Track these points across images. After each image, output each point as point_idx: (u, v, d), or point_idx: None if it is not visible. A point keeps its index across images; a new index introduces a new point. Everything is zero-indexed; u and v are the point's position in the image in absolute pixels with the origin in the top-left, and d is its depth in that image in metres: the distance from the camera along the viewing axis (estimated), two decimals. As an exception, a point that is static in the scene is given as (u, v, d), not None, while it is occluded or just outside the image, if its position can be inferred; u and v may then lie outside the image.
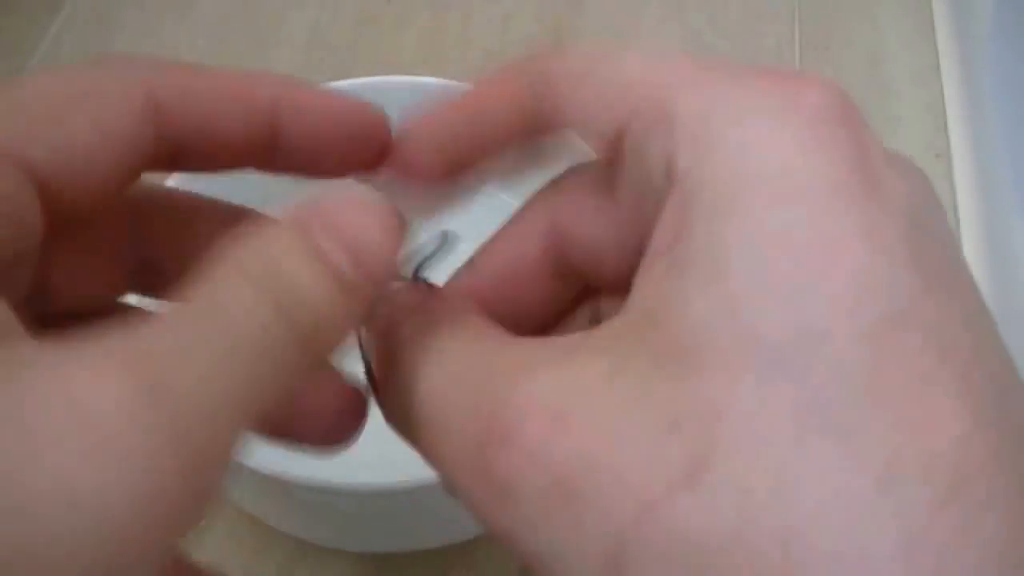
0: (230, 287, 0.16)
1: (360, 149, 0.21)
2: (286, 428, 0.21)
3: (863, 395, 0.14)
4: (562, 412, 0.16)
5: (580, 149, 0.25)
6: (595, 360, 0.16)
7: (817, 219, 0.15)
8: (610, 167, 0.20)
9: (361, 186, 0.21)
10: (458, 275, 0.23)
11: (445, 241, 0.23)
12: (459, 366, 0.18)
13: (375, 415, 0.44)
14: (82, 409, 0.14)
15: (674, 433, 0.15)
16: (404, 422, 0.19)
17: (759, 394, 0.15)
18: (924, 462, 0.14)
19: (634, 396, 0.15)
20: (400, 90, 0.45)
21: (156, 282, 0.22)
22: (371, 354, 0.21)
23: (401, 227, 0.18)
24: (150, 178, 0.20)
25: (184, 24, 0.60)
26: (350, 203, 0.17)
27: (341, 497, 0.34)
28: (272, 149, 0.20)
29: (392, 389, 0.20)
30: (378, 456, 0.41)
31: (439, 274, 0.23)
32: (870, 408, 0.14)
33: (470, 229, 0.25)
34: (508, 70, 0.22)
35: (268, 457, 0.34)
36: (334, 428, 0.21)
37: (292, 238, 0.17)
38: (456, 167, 0.22)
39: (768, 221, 0.15)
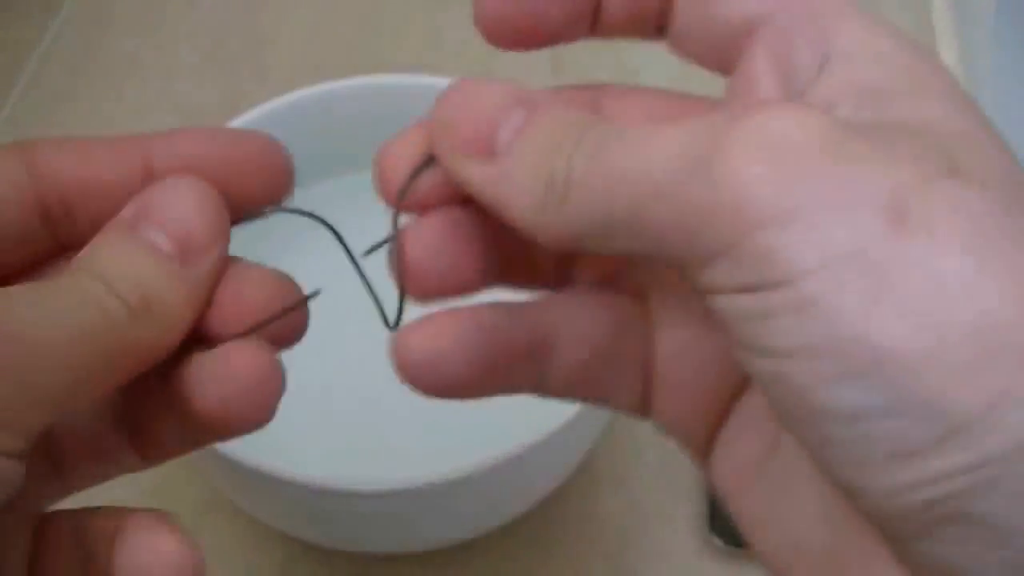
0: (73, 277, 0.19)
1: (258, 180, 0.22)
2: (207, 421, 0.21)
3: None
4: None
5: None
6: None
7: None
8: None
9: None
10: None
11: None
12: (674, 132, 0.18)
13: (374, 420, 0.44)
14: None
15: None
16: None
17: None
18: None
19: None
20: (400, 90, 0.45)
21: None
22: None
23: (220, 199, 0.21)
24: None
25: (184, 24, 0.60)
26: (166, 187, 0.20)
27: (341, 497, 0.34)
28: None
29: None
30: (378, 456, 0.41)
31: None
32: None
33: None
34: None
35: (268, 457, 0.34)
36: (254, 403, 0.21)
37: (116, 229, 0.20)
38: None
39: None
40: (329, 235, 0.25)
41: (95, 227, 0.21)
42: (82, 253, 0.20)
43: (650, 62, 0.58)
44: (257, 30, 0.59)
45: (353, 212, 0.48)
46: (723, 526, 0.42)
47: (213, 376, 0.20)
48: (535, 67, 0.58)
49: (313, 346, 0.46)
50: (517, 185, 0.19)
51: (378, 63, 0.58)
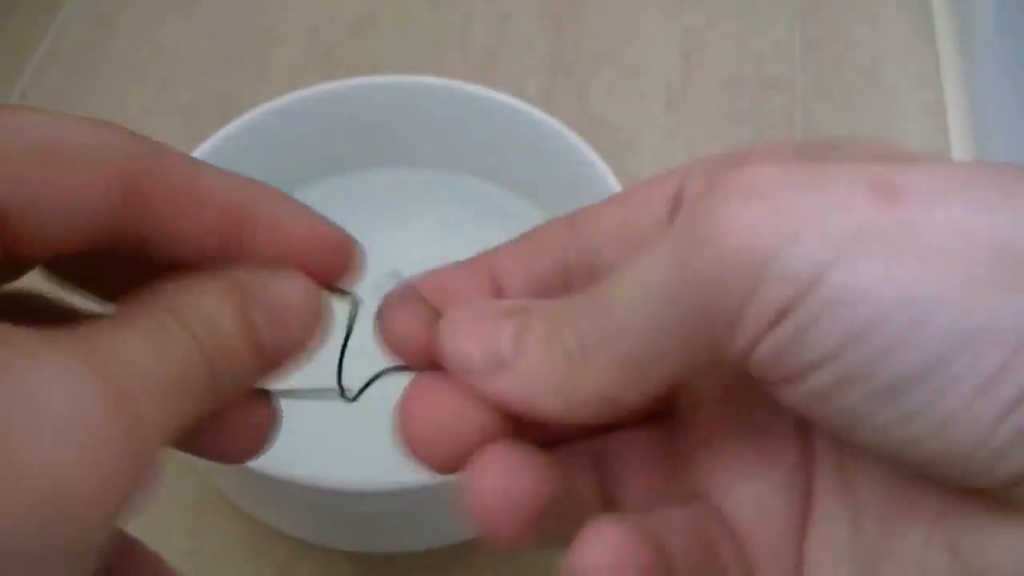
0: (175, 331, 0.18)
1: (321, 269, 0.22)
2: (203, 445, 0.22)
3: None
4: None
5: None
6: None
7: None
8: None
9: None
10: None
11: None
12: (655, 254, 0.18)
13: (374, 420, 0.44)
14: (50, 411, 0.16)
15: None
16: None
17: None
18: None
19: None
20: (400, 90, 0.45)
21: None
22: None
23: (321, 302, 0.21)
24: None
25: (184, 24, 0.60)
26: (281, 279, 0.20)
27: (341, 497, 0.34)
28: (228, 254, 0.21)
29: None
30: (377, 456, 0.41)
31: None
32: None
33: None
34: None
35: (268, 457, 0.34)
36: (248, 441, 0.22)
37: (232, 306, 0.20)
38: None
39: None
40: None
41: (162, 255, 0.20)
42: (183, 301, 0.19)
43: (650, 62, 0.58)
44: (257, 30, 0.59)
45: (353, 212, 0.48)
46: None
47: (214, 425, 0.21)
48: (535, 67, 0.58)
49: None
50: (538, 372, 0.20)
51: (378, 63, 0.58)
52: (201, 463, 0.38)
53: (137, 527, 0.22)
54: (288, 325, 0.20)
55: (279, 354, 0.20)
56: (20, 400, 0.15)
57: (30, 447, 0.15)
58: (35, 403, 0.16)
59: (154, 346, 0.18)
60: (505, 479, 0.20)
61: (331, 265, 0.22)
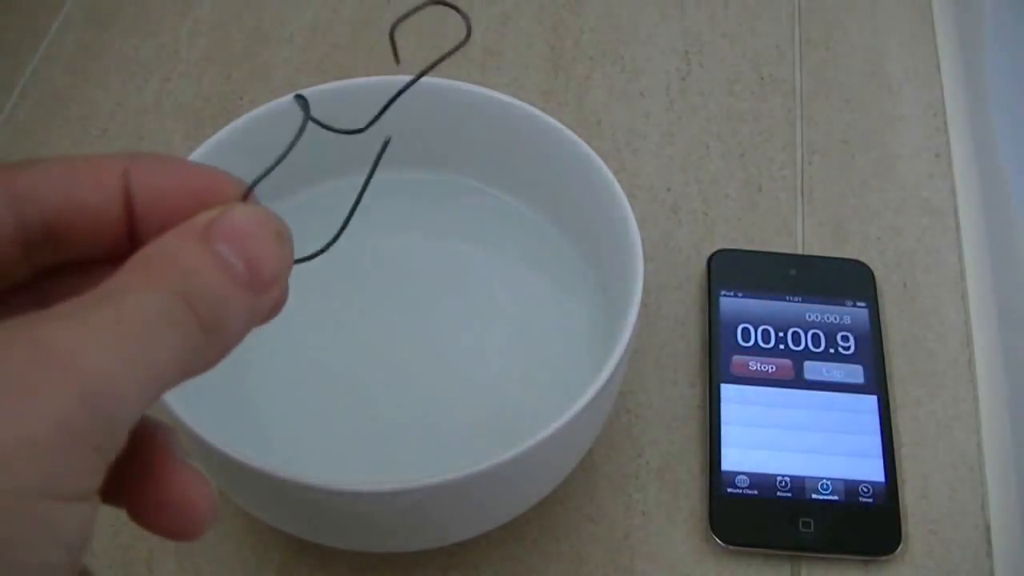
0: (149, 291, 0.19)
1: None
2: (147, 518, 0.22)
3: None
4: None
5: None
6: None
7: None
8: None
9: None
10: None
11: None
12: None
13: (374, 420, 0.44)
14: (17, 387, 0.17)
15: None
16: None
17: None
18: None
19: None
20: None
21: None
22: None
23: (290, 238, 0.22)
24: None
25: (184, 24, 0.60)
26: (249, 218, 0.21)
27: (341, 497, 0.34)
28: (133, 223, 0.22)
29: None
30: (378, 456, 0.41)
31: None
32: None
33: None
34: None
35: (268, 457, 0.34)
36: (189, 519, 0.22)
37: (201, 249, 0.20)
38: None
39: None
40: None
41: (77, 250, 0.22)
42: (152, 255, 0.20)
43: (650, 62, 0.58)
44: (257, 30, 0.59)
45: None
46: (723, 526, 0.42)
47: (156, 502, 0.21)
48: (535, 67, 0.58)
49: (313, 347, 0.46)
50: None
51: (378, 63, 0.58)
52: (201, 463, 0.38)
53: (137, 527, 0.22)
54: (252, 247, 0.21)
55: (256, 278, 0.21)
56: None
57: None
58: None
59: (130, 305, 0.19)
60: None
61: (218, 200, 0.23)
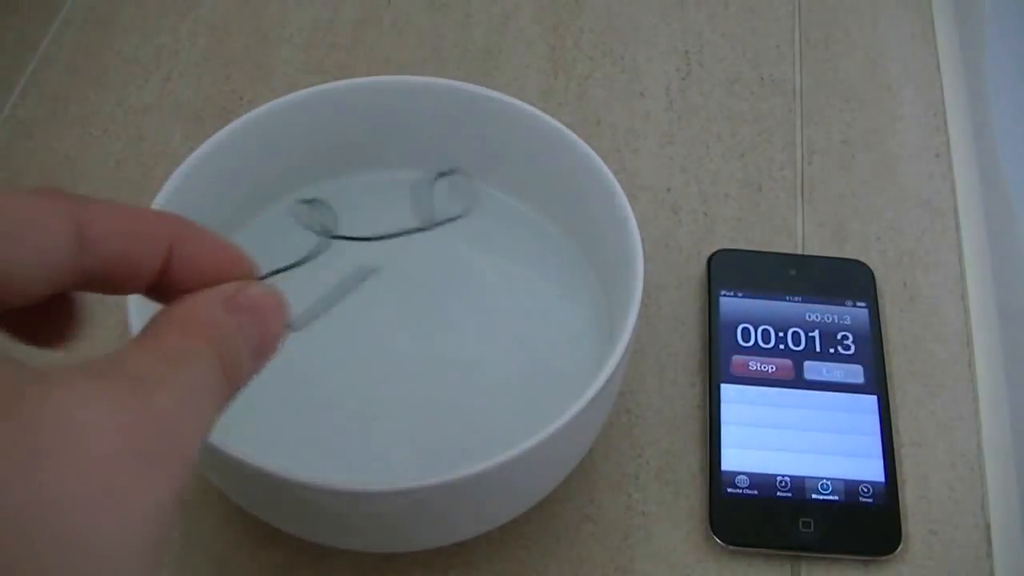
0: (198, 348, 0.23)
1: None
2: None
3: None
4: None
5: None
6: None
7: None
8: None
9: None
10: None
11: None
12: None
13: (379, 414, 0.44)
14: (89, 454, 0.19)
15: None
16: None
17: None
18: None
19: None
20: (399, 90, 0.45)
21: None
22: None
23: (289, 312, 0.26)
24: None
25: (184, 24, 0.60)
26: (264, 296, 0.25)
27: (341, 497, 0.34)
28: (162, 276, 0.25)
29: None
30: (378, 457, 0.41)
31: None
32: None
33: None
34: None
35: (268, 457, 0.34)
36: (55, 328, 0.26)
37: (239, 324, 0.24)
38: None
39: None
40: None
41: (109, 286, 0.24)
42: (202, 320, 0.24)
43: (650, 62, 0.58)
44: (257, 30, 0.59)
45: (353, 212, 0.48)
46: (723, 526, 0.42)
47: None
48: (535, 67, 0.58)
49: (314, 348, 0.46)
50: None
51: (378, 63, 0.58)
52: (201, 462, 0.38)
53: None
54: (265, 322, 0.25)
55: (262, 349, 0.25)
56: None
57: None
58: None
59: (185, 366, 0.22)
60: None
61: (234, 275, 0.26)
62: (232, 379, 0.23)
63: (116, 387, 0.20)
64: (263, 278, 0.26)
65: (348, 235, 0.32)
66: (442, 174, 0.33)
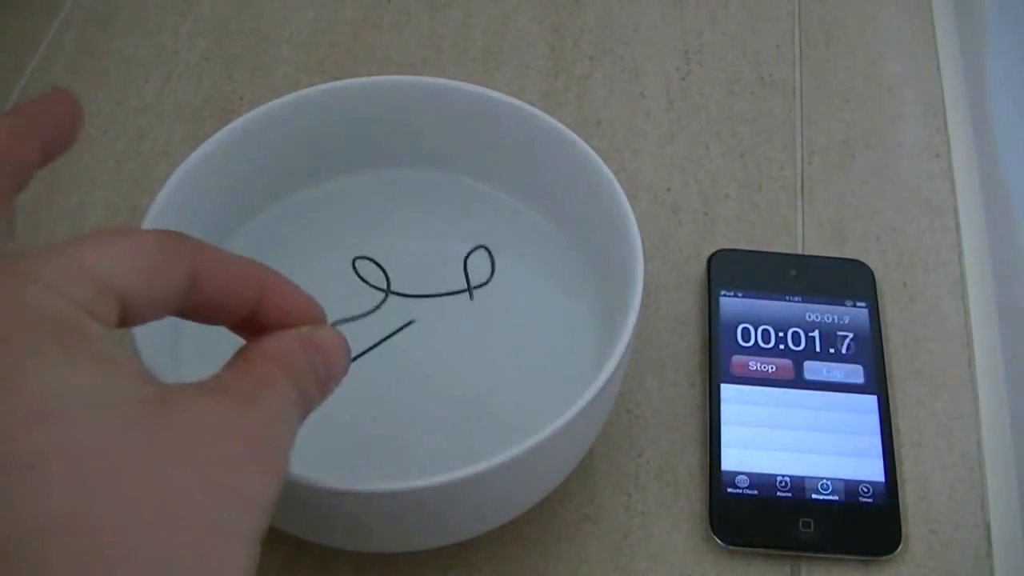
0: (281, 376, 0.27)
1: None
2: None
3: None
4: None
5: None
6: None
7: None
8: None
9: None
10: None
11: None
12: None
13: (375, 420, 0.44)
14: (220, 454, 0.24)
15: None
16: None
17: None
18: None
19: None
20: (400, 90, 0.45)
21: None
22: None
23: (345, 341, 0.30)
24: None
25: (184, 24, 0.60)
26: (333, 339, 0.30)
27: (341, 497, 0.34)
28: (251, 316, 0.29)
29: None
30: (378, 457, 0.41)
31: None
32: None
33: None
34: None
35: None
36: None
37: (310, 360, 0.28)
38: None
39: None
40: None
41: (211, 320, 0.28)
42: (285, 353, 0.28)
43: (650, 62, 0.58)
44: (257, 30, 0.59)
45: (353, 212, 0.48)
46: (723, 526, 0.42)
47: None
48: (535, 67, 0.58)
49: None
50: None
51: (378, 63, 0.58)
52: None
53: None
54: (332, 362, 0.29)
55: (326, 386, 0.29)
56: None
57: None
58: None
59: (273, 389, 0.26)
60: None
61: (309, 319, 0.30)
62: (303, 406, 0.27)
63: (228, 401, 0.24)
64: (334, 324, 0.31)
65: (401, 291, 0.43)
66: (470, 252, 0.45)
